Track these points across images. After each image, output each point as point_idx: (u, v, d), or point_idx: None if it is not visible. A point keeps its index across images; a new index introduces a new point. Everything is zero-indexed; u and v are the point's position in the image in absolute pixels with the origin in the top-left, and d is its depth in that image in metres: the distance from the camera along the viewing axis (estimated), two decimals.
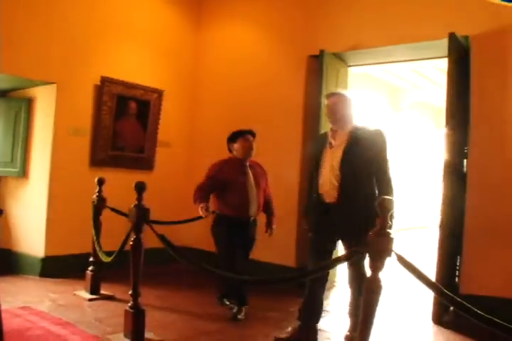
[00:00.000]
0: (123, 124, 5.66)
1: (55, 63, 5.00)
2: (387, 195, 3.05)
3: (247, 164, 4.12)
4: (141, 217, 3.24)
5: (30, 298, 4.24)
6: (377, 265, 2.20)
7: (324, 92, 4.82)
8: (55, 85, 5.05)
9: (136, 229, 3.25)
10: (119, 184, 4.85)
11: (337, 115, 3.44)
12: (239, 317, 3.92)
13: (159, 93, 5.95)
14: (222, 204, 4.07)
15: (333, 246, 3.52)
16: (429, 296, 4.26)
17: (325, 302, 4.55)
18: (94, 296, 4.32)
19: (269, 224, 4.22)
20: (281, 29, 5.45)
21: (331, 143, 3.49)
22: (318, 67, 4.89)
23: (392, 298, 4.65)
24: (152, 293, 4.59)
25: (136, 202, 3.26)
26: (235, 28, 5.97)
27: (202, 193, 3.96)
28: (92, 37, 5.28)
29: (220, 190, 4.03)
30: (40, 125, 5.19)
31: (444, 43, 4.06)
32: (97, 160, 5.41)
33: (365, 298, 2.21)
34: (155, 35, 5.91)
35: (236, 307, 3.99)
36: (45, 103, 5.16)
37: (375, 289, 2.19)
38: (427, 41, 4.37)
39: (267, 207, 4.25)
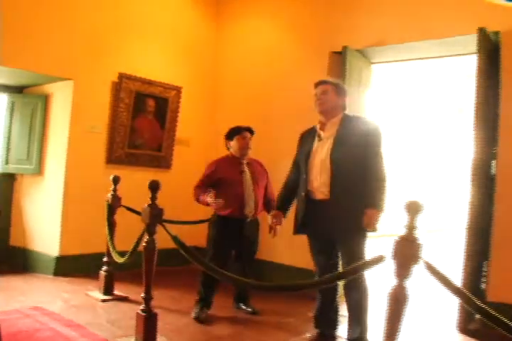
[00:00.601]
0: (140, 122, 5.56)
1: (72, 59, 4.92)
2: (375, 193, 3.01)
3: (245, 162, 4.00)
4: (154, 217, 3.12)
5: (43, 297, 4.16)
6: (403, 273, 2.05)
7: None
8: (72, 81, 4.97)
9: (150, 229, 3.13)
10: (136, 182, 4.75)
11: (326, 105, 3.22)
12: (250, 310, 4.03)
13: (178, 90, 5.84)
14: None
15: (330, 246, 3.27)
16: (453, 302, 4.07)
17: (343, 308, 4.44)
18: (107, 297, 4.23)
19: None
20: (303, 24, 5.29)
21: (319, 136, 3.27)
22: (340, 64, 4.73)
23: (415, 304, 4.46)
24: (166, 294, 4.50)
25: (150, 202, 3.15)
26: (254, 23, 5.83)
27: (200, 190, 3.89)
28: (109, 33, 5.20)
29: (216, 189, 3.87)
30: (56, 122, 5.12)
31: (473, 39, 3.88)
32: (113, 158, 5.32)
33: (390, 309, 2.05)
34: (174, 31, 5.80)
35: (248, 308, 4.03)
36: (61, 99, 5.09)
37: (402, 299, 2.03)
38: (455, 37, 4.18)
39: (269, 207, 4.03)
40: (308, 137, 3.38)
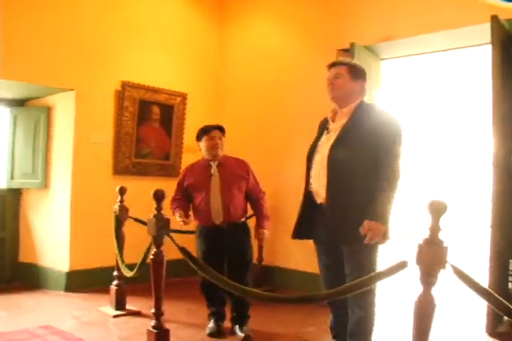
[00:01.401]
0: (146, 130, 5.44)
1: (72, 69, 4.82)
2: (378, 202, 2.51)
3: (215, 164, 3.59)
4: (160, 228, 2.97)
5: (53, 315, 4.03)
6: (429, 279, 1.87)
7: None
8: (73, 92, 4.86)
9: (156, 241, 2.98)
10: (144, 192, 4.54)
11: (339, 91, 2.74)
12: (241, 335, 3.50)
13: (183, 96, 5.71)
14: (193, 212, 3.67)
15: (338, 255, 2.76)
16: (480, 304, 3.86)
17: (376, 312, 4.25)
18: (119, 312, 4.08)
19: (256, 228, 3.67)
20: (307, 23, 5.14)
21: (327, 128, 2.82)
22: None
23: (441, 308, 4.24)
24: (182, 306, 4.36)
25: (156, 212, 3.00)
26: (258, 25, 5.69)
27: (175, 204, 3.61)
28: (110, 41, 5.08)
29: (191, 197, 3.66)
30: (60, 134, 5.01)
31: (486, 28, 3.70)
32: (120, 169, 5.20)
33: (417, 320, 1.87)
34: (176, 37, 5.67)
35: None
36: (64, 111, 4.98)
37: (428, 308, 1.86)
38: (467, 27, 3.99)
39: (255, 209, 3.73)
40: (323, 127, 2.91)
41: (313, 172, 2.75)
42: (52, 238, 4.99)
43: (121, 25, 5.17)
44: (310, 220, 2.73)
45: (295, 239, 2.87)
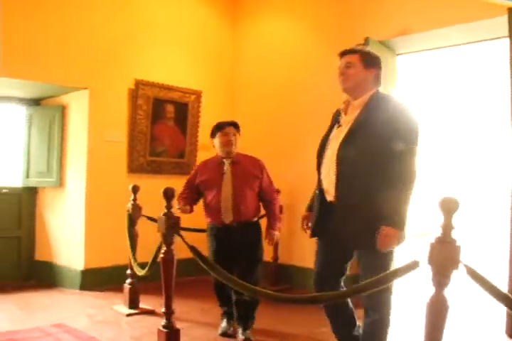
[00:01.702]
0: (161, 128, 5.42)
1: (86, 68, 4.83)
2: (394, 206, 2.35)
3: (228, 161, 3.50)
4: (171, 226, 2.94)
5: (67, 313, 4.03)
6: (441, 280, 1.80)
7: None
8: (87, 91, 4.87)
9: (166, 240, 2.96)
10: (159, 191, 4.54)
11: (351, 81, 2.55)
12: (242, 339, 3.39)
13: (197, 94, 5.68)
14: (204, 210, 3.58)
15: (346, 255, 2.65)
16: (500, 306, 3.76)
17: (391, 314, 4.17)
18: (132, 311, 4.08)
19: (267, 229, 3.57)
20: (321, 18, 5.07)
21: (338, 121, 2.63)
22: None
23: (458, 310, 4.15)
24: (196, 305, 4.34)
25: (166, 211, 2.97)
26: (272, 22, 5.63)
27: (181, 202, 3.52)
28: (124, 39, 5.08)
29: (202, 195, 3.57)
30: (74, 133, 5.02)
31: (503, 21, 3.60)
32: (134, 167, 5.20)
33: (429, 322, 1.81)
34: (190, 35, 5.64)
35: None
36: (78, 110, 4.99)
37: (441, 310, 1.79)
38: (484, 20, 3.88)
39: (267, 209, 3.62)
40: (335, 119, 2.73)
41: (323, 169, 2.59)
42: (67, 236, 5.01)
43: (135, 24, 5.16)
44: (324, 218, 2.59)
45: (312, 238, 2.76)
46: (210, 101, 5.76)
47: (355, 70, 2.55)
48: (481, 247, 7.95)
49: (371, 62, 2.60)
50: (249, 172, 3.52)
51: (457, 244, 1.79)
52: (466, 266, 1.78)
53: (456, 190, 10.27)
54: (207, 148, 5.75)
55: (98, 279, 4.81)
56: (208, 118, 5.72)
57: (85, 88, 4.87)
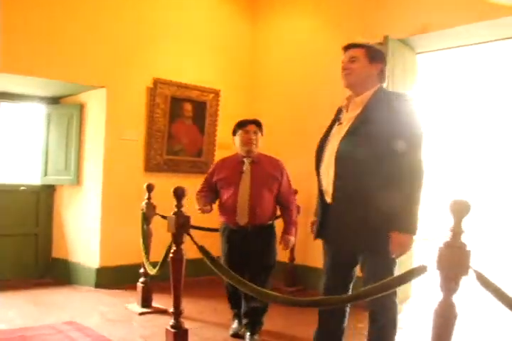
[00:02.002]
0: (178, 127, 5.41)
1: (104, 66, 4.84)
2: (404, 210, 2.23)
3: (248, 161, 3.39)
4: (180, 226, 2.91)
5: (80, 311, 4.04)
6: (450, 286, 1.73)
7: (390, 84, 4.32)
8: (105, 89, 4.88)
9: (176, 239, 2.93)
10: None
11: (353, 77, 2.45)
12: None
13: (216, 93, 5.65)
14: (219, 208, 3.48)
15: (350, 260, 2.52)
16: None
17: (398, 317, 4.08)
18: (145, 310, 4.07)
19: (283, 234, 3.44)
20: (341, 16, 4.99)
21: (339, 118, 2.52)
22: None
23: (466, 316, 3.97)
24: (210, 305, 4.31)
25: (176, 210, 2.94)
26: (291, 20, 5.57)
27: (198, 196, 3.44)
28: (142, 37, 5.07)
29: (218, 193, 3.46)
30: (92, 131, 5.04)
31: None
32: (151, 165, 5.19)
33: (437, 329, 1.74)
34: (208, 32, 5.61)
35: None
36: (96, 108, 5.01)
37: (449, 317, 1.72)
38: (509, 16, 3.75)
39: (284, 213, 3.50)
40: (336, 116, 2.61)
41: (322, 169, 2.48)
42: (83, 234, 5.04)
43: (153, 22, 5.15)
44: (324, 220, 2.49)
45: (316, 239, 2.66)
46: (229, 100, 5.73)
47: (360, 65, 2.44)
48: (492, 252, 7.72)
49: (376, 57, 2.48)
50: (268, 173, 3.40)
51: (467, 248, 1.72)
52: (475, 271, 1.71)
53: (468, 192, 9.98)
54: (225, 146, 5.74)
55: (113, 277, 4.82)
56: (226, 117, 5.70)
57: (103, 87, 4.88)
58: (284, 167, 3.50)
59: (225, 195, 3.39)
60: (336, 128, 2.52)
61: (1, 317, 3.76)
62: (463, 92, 8.80)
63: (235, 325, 3.57)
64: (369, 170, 2.30)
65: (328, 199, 2.44)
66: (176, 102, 5.34)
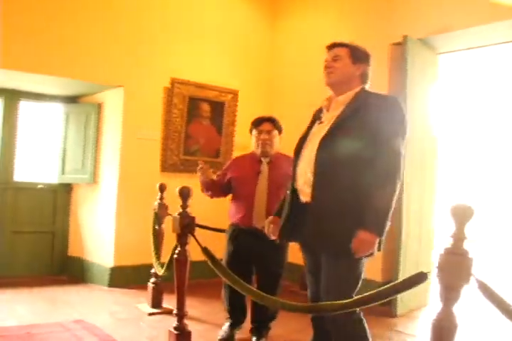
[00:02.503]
0: (195, 127, 5.39)
1: (121, 66, 4.84)
2: (374, 208, 2.15)
3: (266, 161, 3.27)
4: (185, 226, 2.87)
5: (91, 309, 4.04)
6: (450, 295, 1.64)
7: (409, 86, 4.23)
8: (122, 89, 4.89)
9: (181, 240, 2.89)
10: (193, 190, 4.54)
11: (336, 76, 2.40)
12: None
13: (234, 93, 5.61)
14: (231, 208, 3.35)
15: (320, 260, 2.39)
16: None
17: (412, 325, 3.97)
18: (155, 310, 4.04)
19: None
20: (360, 16, 4.89)
21: (320, 117, 2.47)
22: (401, 57, 4.29)
23: (467, 328, 3.71)
24: (219, 307, 4.22)
25: (181, 210, 2.91)
26: (310, 20, 5.49)
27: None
28: (159, 37, 5.06)
29: (232, 192, 3.36)
30: (109, 130, 5.06)
31: None
32: (168, 166, 5.18)
33: (436, 340, 1.65)
34: (227, 32, 5.57)
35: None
36: (113, 107, 5.02)
37: (449, 328, 1.63)
38: None
39: None
40: (316, 116, 2.56)
41: (298, 168, 2.42)
42: (98, 233, 5.05)
43: (171, 22, 5.14)
44: (294, 220, 2.42)
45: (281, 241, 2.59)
46: (248, 101, 5.68)
47: (342, 64, 2.40)
48: (496, 259, 7.43)
49: (360, 57, 2.44)
50: (287, 174, 3.14)
51: (469, 255, 1.63)
52: (477, 280, 1.62)
53: (487, 195, 9.64)
54: (243, 147, 5.70)
55: (127, 277, 4.81)
56: (244, 117, 5.63)
57: (121, 86, 4.89)
58: None
59: (241, 195, 3.28)
60: (316, 127, 2.46)
61: (11, 313, 3.79)
62: (486, 94, 8.55)
63: (226, 329, 3.38)
64: (349, 169, 2.24)
65: (305, 198, 2.35)
66: (194, 102, 5.32)
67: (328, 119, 2.38)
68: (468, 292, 1.65)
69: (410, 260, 4.22)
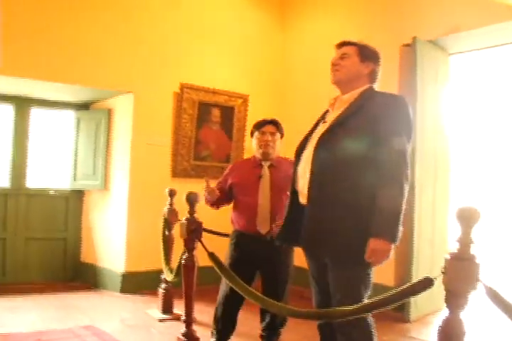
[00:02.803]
0: (205, 132, 5.38)
1: (131, 72, 4.85)
2: (384, 214, 2.02)
3: (267, 165, 3.16)
4: (192, 232, 2.85)
5: (102, 316, 4.04)
6: (457, 301, 1.60)
7: (419, 87, 4.18)
8: (132, 94, 4.90)
9: (188, 245, 2.87)
10: (203, 195, 4.52)
11: (342, 74, 2.32)
12: None
13: (244, 98, 5.60)
14: (233, 215, 3.22)
15: (323, 264, 2.28)
16: None
17: (426, 330, 3.89)
18: (165, 316, 4.02)
19: None
20: (369, 17, 4.85)
21: (324, 117, 2.40)
22: (411, 58, 4.24)
23: (475, 334, 3.45)
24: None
25: (188, 216, 2.89)
26: (320, 23, 5.47)
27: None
28: (169, 43, 5.07)
29: (234, 198, 3.24)
30: (119, 136, 5.07)
31: None
32: (178, 171, 5.17)
33: None
34: (236, 37, 5.56)
35: None
36: (123, 113, 5.04)
37: (456, 334, 1.59)
38: None
39: None
40: (322, 116, 2.48)
41: (299, 168, 2.34)
42: (110, 239, 5.06)
43: (180, 27, 5.15)
44: (294, 223, 2.33)
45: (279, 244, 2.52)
46: (258, 105, 5.66)
47: (350, 62, 2.33)
48: (504, 264, 7.23)
49: (369, 56, 2.36)
50: (289, 177, 3.04)
51: (476, 260, 1.59)
52: (485, 285, 1.57)
53: (491, 197, 9.40)
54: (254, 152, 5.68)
55: (138, 282, 4.80)
56: (255, 122, 5.62)
57: (130, 92, 4.90)
58: None
59: (243, 201, 3.17)
60: (320, 127, 2.37)
61: (22, 320, 3.79)
62: (501, 94, 8.39)
63: None
64: (349, 168, 2.15)
65: (303, 199, 2.28)
66: (204, 107, 5.32)
67: (331, 119, 2.31)
68: (476, 297, 1.60)
69: (423, 264, 4.15)
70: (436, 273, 1.65)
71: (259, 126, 3.23)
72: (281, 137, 3.31)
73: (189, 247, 2.88)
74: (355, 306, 1.85)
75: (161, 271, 4.42)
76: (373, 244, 2.01)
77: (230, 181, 3.25)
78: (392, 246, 2.03)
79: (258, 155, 3.23)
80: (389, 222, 2.03)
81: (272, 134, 3.20)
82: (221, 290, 3.03)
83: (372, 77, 2.37)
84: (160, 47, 5.02)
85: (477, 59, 4.99)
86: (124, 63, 4.81)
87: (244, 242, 3.10)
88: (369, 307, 1.78)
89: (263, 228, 3.04)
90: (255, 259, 3.07)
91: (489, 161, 9.58)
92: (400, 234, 2.05)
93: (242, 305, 3.05)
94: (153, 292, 4.61)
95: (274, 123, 3.26)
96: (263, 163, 3.20)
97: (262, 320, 3.27)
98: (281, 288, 3.13)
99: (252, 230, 3.08)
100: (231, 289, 2.78)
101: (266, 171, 3.18)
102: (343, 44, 2.40)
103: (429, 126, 4.24)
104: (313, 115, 5.64)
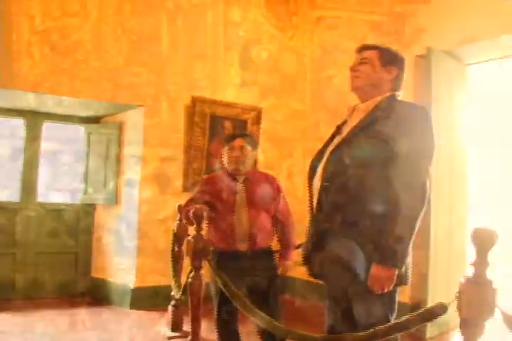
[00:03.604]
0: (218, 146, 5.30)
1: (142, 85, 4.83)
2: (389, 240, 1.87)
3: (241, 179, 3.01)
4: (199, 251, 2.76)
5: (110, 333, 3.96)
6: (473, 329, 1.49)
7: (434, 98, 4.07)
8: (143, 108, 4.86)
9: (194, 264, 2.78)
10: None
11: (362, 80, 2.14)
12: None
13: (257, 111, 5.53)
14: (210, 232, 3.03)
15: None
16: None
17: None
18: (174, 334, 3.93)
19: (280, 259, 3.07)
20: (382, 28, 4.77)
21: (340, 128, 2.21)
22: (426, 70, 4.14)
23: None
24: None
25: (195, 233, 2.80)
26: (334, 34, 5.40)
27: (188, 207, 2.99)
28: (179, 55, 5.04)
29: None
30: (130, 150, 5.02)
31: None
32: (190, 185, 5.09)
33: None
34: (248, 48, 5.52)
35: None
36: (134, 127, 5.00)
37: None
38: None
39: (282, 235, 3.11)
40: (339, 127, 2.29)
41: (314, 182, 2.14)
42: (120, 254, 4.99)
43: (191, 40, 5.12)
44: (313, 244, 2.15)
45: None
46: (271, 118, 5.60)
47: (370, 67, 2.14)
48: None
49: (391, 60, 2.17)
50: (265, 192, 3.04)
51: (493, 285, 1.48)
52: (503, 312, 1.46)
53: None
54: (267, 165, 5.60)
55: (149, 298, 4.72)
56: (268, 135, 5.57)
57: (141, 106, 4.87)
58: (279, 184, 3.15)
59: (219, 218, 3.00)
60: (336, 139, 2.19)
61: (28, 337, 3.74)
62: None
63: None
64: (359, 190, 1.97)
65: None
66: (216, 120, 5.26)
67: (346, 130, 2.13)
68: (493, 325, 1.49)
69: (441, 277, 4.01)
70: (453, 287, 1.53)
71: (228, 140, 3.09)
72: (254, 150, 3.13)
73: (196, 266, 2.79)
74: (362, 333, 1.73)
75: (171, 287, 4.35)
76: (374, 270, 1.90)
77: (206, 199, 3.04)
78: (395, 271, 1.90)
79: (229, 170, 3.07)
80: (391, 246, 1.87)
81: (242, 149, 3.02)
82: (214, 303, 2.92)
83: (395, 83, 2.18)
84: (170, 60, 4.99)
85: (497, 69, 4.87)
86: (135, 77, 4.79)
87: (226, 260, 2.92)
88: (378, 334, 1.67)
89: (242, 245, 2.93)
90: (241, 277, 2.88)
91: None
92: (406, 258, 1.92)
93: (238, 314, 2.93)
94: (163, 308, 4.53)
95: (243, 136, 3.13)
96: (237, 177, 3.05)
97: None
98: (271, 302, 2.96)
99: (232, 248, 2.94)
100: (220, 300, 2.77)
101: (240, 187, 3.02)
102: (362, 48, 2.21)
103: (443, 137, 4.12)
104: (327, 128, 5.58)
